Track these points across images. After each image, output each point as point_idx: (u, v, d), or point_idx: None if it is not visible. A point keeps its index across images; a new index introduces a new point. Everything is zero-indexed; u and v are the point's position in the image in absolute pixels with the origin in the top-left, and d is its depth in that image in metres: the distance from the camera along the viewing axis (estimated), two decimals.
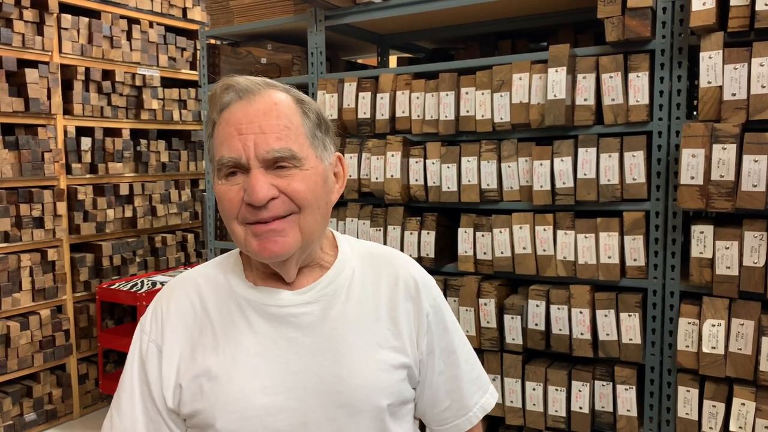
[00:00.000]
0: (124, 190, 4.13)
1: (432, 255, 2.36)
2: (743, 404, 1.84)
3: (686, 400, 1.96)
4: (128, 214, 4.20)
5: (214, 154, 0.95)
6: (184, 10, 4.56)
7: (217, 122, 0.95)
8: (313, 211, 0.94)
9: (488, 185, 2.26)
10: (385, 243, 2.44)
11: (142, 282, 3.91)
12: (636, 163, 2.01)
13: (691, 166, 1.85)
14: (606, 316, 2.06)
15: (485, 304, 2.24)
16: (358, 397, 0.97)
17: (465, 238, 2.31)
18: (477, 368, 1.15)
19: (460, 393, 1.11)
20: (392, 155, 2.38)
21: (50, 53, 3.68)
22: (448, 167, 2.31)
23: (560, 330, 2.14)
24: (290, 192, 0.91)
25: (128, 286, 3.82)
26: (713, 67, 1.84)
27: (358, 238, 2.48)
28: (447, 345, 1.10)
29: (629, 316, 2.03)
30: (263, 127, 0.91)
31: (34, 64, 3.59)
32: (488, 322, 2.24)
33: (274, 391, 0.95)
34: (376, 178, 2.43)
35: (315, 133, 0.97)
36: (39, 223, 3.63)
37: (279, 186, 0.91)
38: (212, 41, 3.21)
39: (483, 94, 2.25)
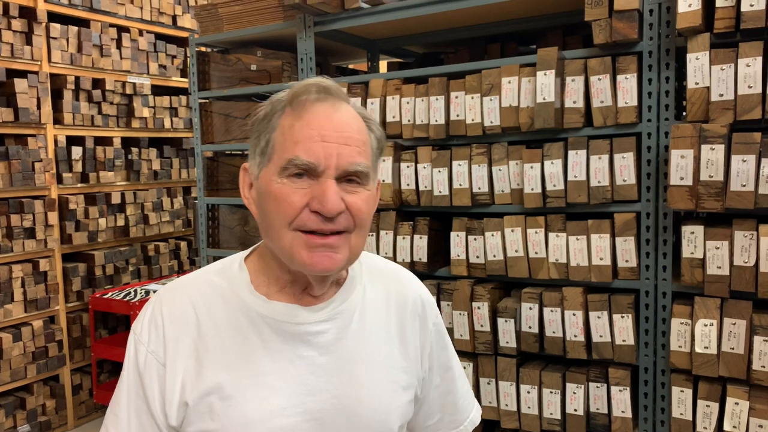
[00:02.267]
0: (115, 199, 4.11)
1: (425, 259, 2.36)
2: (737, 403, 1.84)
3: (680, 400, 1.96)
4: (120, 222, 4.18)
5: (277, 148, 0.89)
6: (174, 18, 4.55)
7: (291, 116, 0.90)
8: (364, 232, 0.93)
9: (479, 189, 2.27)
10: (377, 248, 2.44)
11: (135, 291, 3.89)
12: (626, 164, 2.02)
13: (680, 167, 1.86)
14: (599, 317, 2.06)
15: (478, 308, 2.24)
16: (374, 419, 0.96)
17: (457, 241, 2.31)
18: (467, 384, 1.17)
19: (454, 407, 1.12)
20: (383, 160, 2.38)
21: (39, 63, 3.66)
22: (439, 171, 2.31)
23: (554, 332, 2.14)
24: (354, 209, 0.89)
25: (121, 295, 3.80)
26: (700, 68, 1.85)
27: None
28: (445, 361, 1.11)
29: (622, 317, 2.04)
30: (347, 138, 0.89)
31: (23, 74, 3.58)
32: (482, 326, 2.24)
33: (292, 412, 0.92)
34: None
35: (377, 154, 0.97)
36: (30, 233, 3.61)
37: (346, 201, 0.88)
38: (202, 48, 3.20)
39: (473, 98, 2.25)
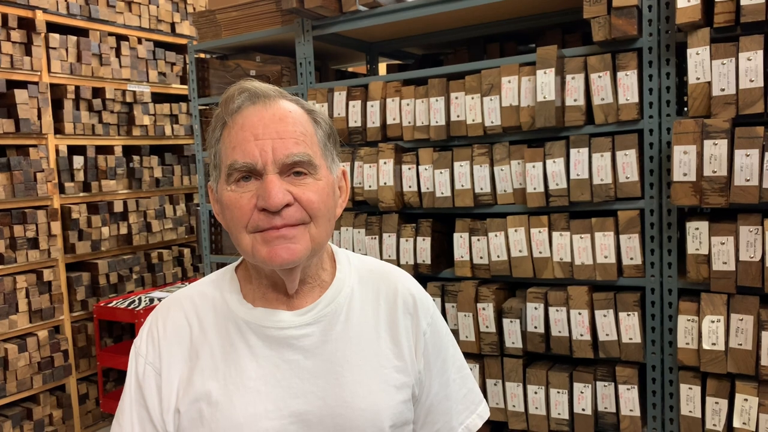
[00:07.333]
0: (118, 207, 4.11)
1: (428, 261, 2.35)
2: (746, 400, 1.83)
3: (689, 397, 1.95)
4: (123, 231, 4.18)
5: (222, 158, 0.93)
6: (173, 25, 4.56)
7: (228, 125, 0.92)
8: (323, 222, 0.94)
9: (482, 189, 2.26)
10: (380, 250, 2.43)
11: (140, 299, 3.89)
12: (628, 161, 2.01)
13: (683, 163, 1.85)
14: (605, 316, 2.05)
15: (483, 309, 2.23)
16: (361, 420, 0.95)
17: (461, 243, 2.31)
18: (467, 386, 1.11)
19: (449, 414, 1.08)
20: (384, 163, 2.38)
21: (39, 73, 3.66)
22: (440, 173, 2.31)
23: (560, 332, 2.13)
24: (304, 201, 0.90)
25: (126, 303, 3.80)
26: (701, 63, 1.84)
27: (353, 247, 2.49)
28: (441, 364, 1.07)
29: (628, 315, 2.03)
30: (280, 132, 0.90)
31: (23, 84, 3.58)
32: (487, 327, 2.23)
33: (278, 415, 0.93)
34: (370, 186, 2.43)
35: (326, 143, 0.98)
36: (33, 243, 3.61)
37: (294, 194, 0.90)
38: (201, 55, 3.20)
39: (473, 98, 2.24)
